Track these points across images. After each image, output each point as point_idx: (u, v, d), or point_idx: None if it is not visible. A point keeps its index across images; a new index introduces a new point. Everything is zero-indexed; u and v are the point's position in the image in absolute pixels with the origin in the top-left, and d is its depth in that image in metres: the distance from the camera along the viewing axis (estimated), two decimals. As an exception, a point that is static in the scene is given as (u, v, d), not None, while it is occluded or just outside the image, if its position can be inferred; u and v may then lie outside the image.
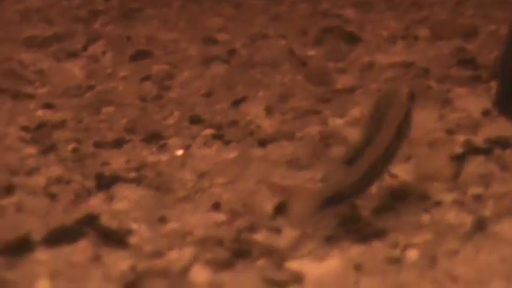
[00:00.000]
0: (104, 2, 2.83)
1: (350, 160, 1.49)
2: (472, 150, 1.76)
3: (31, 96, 2.14)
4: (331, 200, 1.45)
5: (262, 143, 1.87)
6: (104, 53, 2.38)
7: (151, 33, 2.52)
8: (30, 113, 2.05)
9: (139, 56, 2.36)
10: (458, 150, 1.76)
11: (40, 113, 2.05)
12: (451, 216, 1.51)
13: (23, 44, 2.43)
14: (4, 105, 2.09)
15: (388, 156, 1.51)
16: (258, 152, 1.83)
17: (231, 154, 1.82)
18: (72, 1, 2.82)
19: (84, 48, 2.41)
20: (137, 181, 1.71)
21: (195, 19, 2.66)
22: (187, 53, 2.40)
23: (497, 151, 1.74)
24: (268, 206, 1.57)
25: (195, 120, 2.00)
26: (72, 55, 2.38)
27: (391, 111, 1.54)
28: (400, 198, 1.58)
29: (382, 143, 1.50)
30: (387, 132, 1.52)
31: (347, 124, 1.94)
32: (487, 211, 1.52)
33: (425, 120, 1.91)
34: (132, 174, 1.74)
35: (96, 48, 2.41)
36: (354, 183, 1.47)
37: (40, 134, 1.94)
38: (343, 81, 2.21)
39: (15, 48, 2.40)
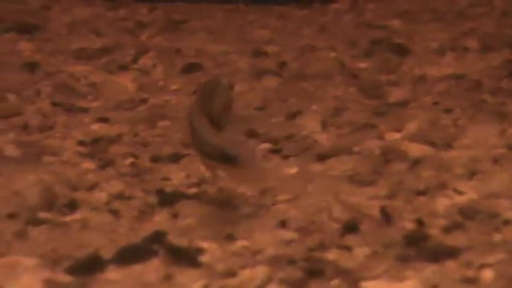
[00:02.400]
0: (148, 13, 2.82)
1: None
2: (536, 166, 1.74)
3: (85, 110, 2.13)
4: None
5: (321, 157, 1.86)
6: (154, 65, 2.37)
7: (200, 46, 2.51)
8: (85, 127, 2.04)
9: (190, 68, 2.36)
10: (523, 166, 1.74)
11: (95, 126, 2.04)
12: (524, 235, 1.50)
13: (73, 56, 2.42)
14: (59, 118, 2.08)
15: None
16: (317, 167, 1.82)
17: (291, 169, 1.81)
18: (118, 12, 2.81)
19: (135, 61, 2.40)
20: (199, 197, 1.70)
21: (242, 31, 2.65)
22: (238, 65, 2.39)
23: None
24: (337, 223, 1.55)
25: (251, 134, 1.98)
26: (123, 68, 2.37)
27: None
28: (468, 216, 1.57)
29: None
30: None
31: (405, 139, 1.92)
32: (559, 231, 1.51)
33: (486, 135, 1.89)
34: (193, 190, 1.74)
35: (146, 60, 2.40)
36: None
37: (97, 149, 1.93)
38: (396, 94, 2.19)
39: (66, 60, 2.39)
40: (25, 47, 2.47)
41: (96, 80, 2.28)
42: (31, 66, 2.35)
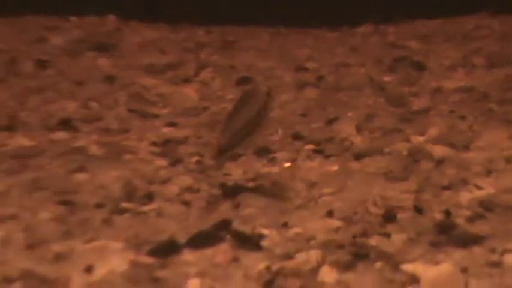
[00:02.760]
0: (204, 34, 2.78)
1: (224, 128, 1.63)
2: (544, 165, 1.68)
3: (156, 116, 2.09)
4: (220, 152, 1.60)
5: (358, 157, 1.81)
6: (212, 78, 2.34)
7: (250, 62, 2.47)
8: (157, 130, 2.00)
9: (243, 81, 2.32)
10: (532, 165, 1.69)
11: (165, 130, 2.01)
12: (537, 224, 1.44)
13: (143, 70, 2.39)
14: (134, 122, 2.05)
15: (251, 127, 1.64)
16: (355, 165, 1.77)
17: (333, 167, 1.76)
18: (179, 34, 2.77)
19: (196, 75, 2.37)
20: (256, 190, 1.65)
21: (284, 49, 2.61)
22: (283, 79, 2.35)
23: None
24: (376, 213, 1.50)
25: (297, 136, 1.95)
26: (186, 80, 2.34)
27: (252, 101, 1.66)
28: (488, 208, 1.51)
29: (242, 117, 1.64)
30: (247, 111, 1.64)
31: (428, 141, 1.87)
32: None
33: (497, 139, 1.84)
34: (251, 184, 1.69)
35: (205, 74, 2.37)
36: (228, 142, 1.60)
37: (167, 149, 1.89)
38: (418, 104, 2.15)
39: (138, 74, 2.36)
40: (104, 63, 2.44)
41: (164, 90, 2.25)
42: (109, 79, 2.32)
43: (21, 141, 1.92)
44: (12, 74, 2.34)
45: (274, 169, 1.77)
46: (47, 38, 2.61)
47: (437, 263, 1.30)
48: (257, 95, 1.70)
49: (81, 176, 1.71)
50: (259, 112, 1.68)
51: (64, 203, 1.58)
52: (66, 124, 2.02)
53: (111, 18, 2.79)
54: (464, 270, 1.29)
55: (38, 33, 2.64)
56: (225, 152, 1.64)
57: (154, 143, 1.92)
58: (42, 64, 2.40)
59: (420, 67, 2.43)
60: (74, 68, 2.40)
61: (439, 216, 1.49)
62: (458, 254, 1.35)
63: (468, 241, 1.39)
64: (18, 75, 2.32)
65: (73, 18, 2.77)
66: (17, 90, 2.22)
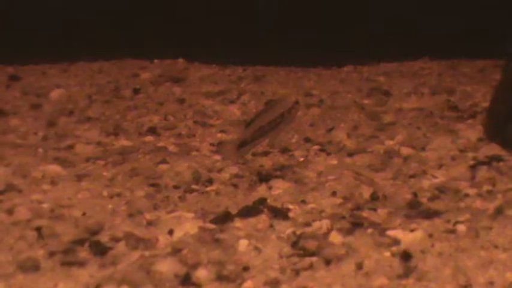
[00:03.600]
0: (243, 71, 2.68)
1: (247, 125, 1.53)
2: (479, 162, 1.57)
3: (212, 125, 2.00)
4: (241, 145, 1.48)
5: (350, 154, 1.70)
6: (249, 101, 2.24)
7: (274, 90, 2.37)
8: (213, 135, 1.91)
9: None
10: (471, 162, 1.57)
11: (219, 135, 1.91)
12: (478, 203, 1.33)
13: (203, 95, 2.29)
14: (198, 130, 1.96)
15: (272, 126, 1.52)
16: (349, 160, 1.67)
17: (333, 161, 1.66)
18: (225, 71, 2.67)
19: (238, 98, 2.27)
20: (282, 177, 1.55)
21: (296, 81, 2.50)
22: (297, 101, 2.24)
23: (495, 163, 1.55)
24: (366, 194, 1.40)
25: (307, 140, 1.85)
26: (232, 102, 2.24)
27: (279, 106, 1.54)
28: (443, 191, 1.41)
29: (265, 118, 1.51)
30: (271, 114, 1.52)
31: (396, 144, 1.77)
32: (499, 201, 1.34)
33: (444, 143, 1.73)
34: (278, 173, 1.59)
35: (244, 98, 2.27)
36: (249, 137, 1.49)
37: (221, 148, 1.79)
38: (387, 118, 2.04)
39: (200, 97, 2.27)
40: (177, 90, 2.35)
41: (217, 108, 2.15)
42: (181, 101, 2.23)
43: (123, 142, 1.83)
44: (116, 97, 2.25)
45: (293, 162, 1.67)
46: (139, 73, 2.52)
47: (411, 230, 1.20)
48: (284, 101, 1.60)
49: (164, 167, 1.62)
50: (282, 115, 1.57)
51: (153, 185, 1.50)
52: (152, 131, 1.93)
53: (180, 60, 2.70)
54: (430, 235, 1.19)
55: (133, 70, 2.56)
56: (245, 146, 1.53)
57: (211, 144, 1.82)
58: (136, 91, 2.31)
59: (387, 94, 2.31)
60: (157, 93, 2.31)
61: (409, 196, 1.39)
62: (426, 224, 1.24)
63: (431, 214, 1.28)
64: (120, 98, 2.24)
65: (156, 61, 2.68)
66: (120, 108, 2.13)
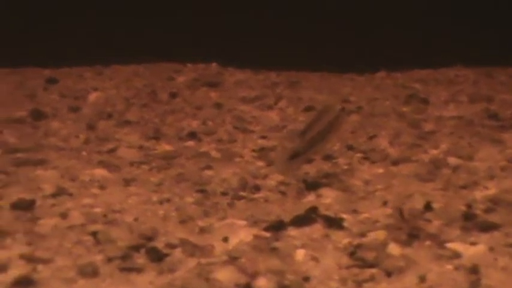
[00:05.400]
0: (276, 76, 2.67)
1: (301, 135, 1.51)
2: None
3: (252, 131, 1.99)
4: (294, 155, 1.44)
5: (394, 163, 1.68)
6: (287, 106, 2.23)
7: (311, 96, 2.36)
8: (254, 141, 1.90)
9: (308, 108, 2.20)
10: (521, 172, 1.56)
11: (260, 141, 1.90)
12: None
13: (240, 100, 2.29)
14: (238, 136, 1.95)
15: (323, 135, 1.50)
16: (394, 168, 1.65)
17: (379, 169, 1.64)
18: (259, 76, 2.67)
19: (275, 104, 2.26)
20: (329, 185, 1.54)
21: (332, 87, 2.49)
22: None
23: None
24: (418, 204, 1.38)
25: (350, 148, 1.83)
26: (269, 107, 2.23)
27: (327, 114, 1.53)
28: (497, 203, 1.39)
29: (316, 128, 1.50)
30: (320, 123, 1.51)
31: (441, 153, 1.74)
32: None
33: (491, 153, 1.71)
34: (324, 180, 1.57)
35: (282, 103, 2.26)
36: (303, 147, 1.46)
37: (263, 154, 1.79)
38: (428, 127, 2.02)
39: (237, 103, 2.26)
40: (213, 95, 2.35)
41: (255, 114, 2.15)
42: (218, 106, 2.23)
43: (164, 147, 1.82)
44: (154, 101, 2.25)
45: (338, 170, 1.66)
46: (175, 77, 2.52)
47: (471, 243, 1.18)
48: (331, 110, 1.58)
49: (209, 172, 1.61)
50: (330, 124, 1.56)
51: (201, 191, 1.49)
52: (193, 136, 1.92)
53: (214, 65, 2.69)
54: (491, 249, 1.17)
55: (168, 74, 2.56)
56: (297, 157, 1.52)
57: (253, 150, 1.81)
58: (173, 95, 2.31)
59: (425, 101, 2.29)
60: (194, 97, 2.31)
61: (462, 208, 1.37)
62: (485, 237, 1.22)
63: (489, 227, 1.26)
64: (158, 102, 2.23)
65: (189, 65, 2.68)
66: (158, 112, 2.13)
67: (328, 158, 1.75)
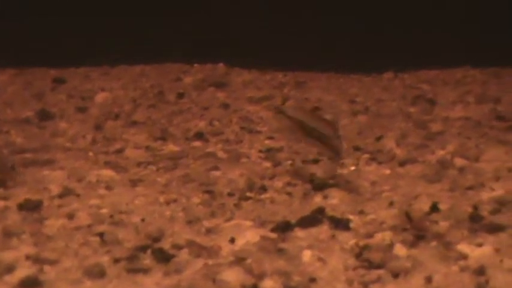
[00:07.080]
0: (283, 76, 2.67)
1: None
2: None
3: (259, 132, 1.99)
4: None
5: (401, 164, 1.68)
6: (294, 107, 2.22)
7: (318, 96, 2.35)
8: (261, 142, 1.90)
9: (316, 110, 2.19)
10: (529, 173, 1.55)
11: (267, 142, 1.90)
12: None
13: (248, 100, 2.29)
14: (245, 136, 1.95)
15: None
16: (401, 170, 1.64)
17: (386, 170, 1.64)
18: (265, 76, 2.66)
19: (283, 104, 2.25)
20: (335, 186, 1.54)
21: (340, 88, 2.48)
22: (341, 108, 2.23)
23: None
24: (425, 206, 1.38)
25: (356, 148, 1.83)
26: (278, 108, 2.21)
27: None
28: (504, 204, 1.38)
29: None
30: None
31: (448, 154, 1.74)
32: None
33: (498, 154, 1.71)
34: (331, 181, 1.57)
35: (289, 104, 2.25)
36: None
37: (269, 155, 1.79)
38: (436, 127, 2.01)
39: (244, 103, 2.27)
40: (220, 95, 2.35)
41: (263, 114, 2.14)
42: (225, 106, 2.23)
43: (171, 147, 1.83)
44: (161, 101, 2.26)
45: (344, 171, 1.65)
46: (182, 78, 2.53)
47: (478, 244, 1.18)
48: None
49: (216, 173, 1.62)
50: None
51: (207, 192, 1.49)
52: (200, 136, 1.93)
53: (220, 65, 2.69)
54: (497, 250, 1.17)
55: (175, 74, 2.56)
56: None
57: (260, 151, 1.82)
58: (180, 95, 2.32)
59: (432, 102, 2.29)
60: (201, 98, 2.31)
61: (469, 209, 1.37)
62: (491, 239, 1.22)
63: (495, 229, 1.26)
64: (165, 102, 2.24)
65: (196, 65, 2.68)
66: (165, 113, 2.14)
67: (334, 159, 1.74)
